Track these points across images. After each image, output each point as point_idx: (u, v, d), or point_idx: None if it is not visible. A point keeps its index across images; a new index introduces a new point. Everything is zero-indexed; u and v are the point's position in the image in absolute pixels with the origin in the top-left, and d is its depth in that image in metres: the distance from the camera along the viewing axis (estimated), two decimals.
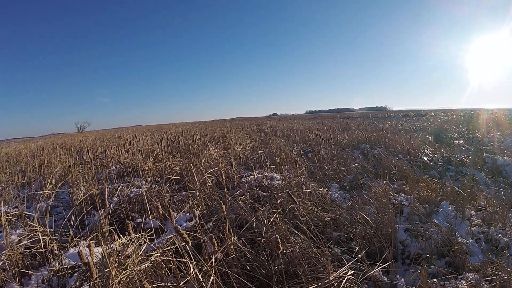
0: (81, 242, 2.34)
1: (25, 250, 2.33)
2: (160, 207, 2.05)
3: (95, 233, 2.43)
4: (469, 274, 1.92)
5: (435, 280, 1.89)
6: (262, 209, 2.53)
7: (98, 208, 2.61)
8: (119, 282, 1.66)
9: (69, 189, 3.99)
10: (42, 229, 2.39)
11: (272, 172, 4.03)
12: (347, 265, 1.73)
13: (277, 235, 1.55)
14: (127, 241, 2.03)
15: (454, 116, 17.60)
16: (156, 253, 1.94)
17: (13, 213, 2.84)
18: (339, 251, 2.12)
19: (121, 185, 3.54)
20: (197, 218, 1.94)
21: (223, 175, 3.11)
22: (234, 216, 2.67)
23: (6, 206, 3.25)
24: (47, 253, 2.26)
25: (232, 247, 1.98)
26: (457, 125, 10.99)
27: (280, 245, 1.53)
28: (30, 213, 2.80)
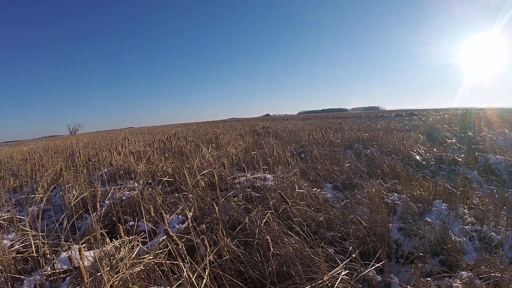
0: (73, 246, 2.31)
1: (17, 255, 2.29)
2: (152, 209, 2.03)
3: (87, 237, 2.41)
4: (463, 272, 1.93)
5: (429, 278, 1.90)
6: (255, 210, 2.52)
7: (90, 211, 2.59)
8: (111, 286, 1.64)
9: (61, 193, 3.95)
10: (34, 233, 2.36)
11: (265, 173, 4.03)
12: (341, 265, 1.73)
13: (268, 236, 1.55)
14: (119, 244, 2.01)
15: (447, 115, 17.79)
16: (148, 256, 1.93)
17: (5, 217, 2.81)
18: (333, 251, 2.12)
19: (113, 187, 3.50)
20: (189, 220, 1.92)
21: (216, 177, 3.10)
22: (227, 217, 2.66)
23: None
24: (39, 257, 2.23)
25: (225, 248, 1.96)
26: (450, 124, 11.10)
27: (271, 246, 1.52)
28: (22, 217, 2.76)
